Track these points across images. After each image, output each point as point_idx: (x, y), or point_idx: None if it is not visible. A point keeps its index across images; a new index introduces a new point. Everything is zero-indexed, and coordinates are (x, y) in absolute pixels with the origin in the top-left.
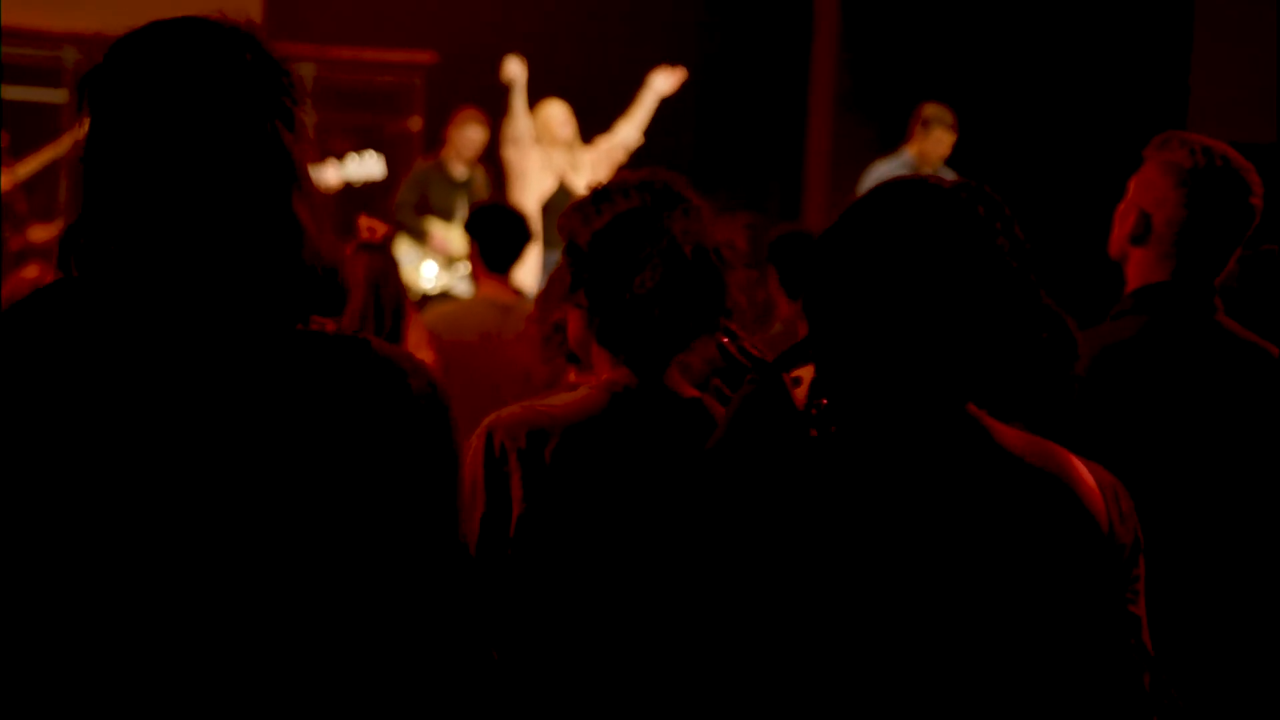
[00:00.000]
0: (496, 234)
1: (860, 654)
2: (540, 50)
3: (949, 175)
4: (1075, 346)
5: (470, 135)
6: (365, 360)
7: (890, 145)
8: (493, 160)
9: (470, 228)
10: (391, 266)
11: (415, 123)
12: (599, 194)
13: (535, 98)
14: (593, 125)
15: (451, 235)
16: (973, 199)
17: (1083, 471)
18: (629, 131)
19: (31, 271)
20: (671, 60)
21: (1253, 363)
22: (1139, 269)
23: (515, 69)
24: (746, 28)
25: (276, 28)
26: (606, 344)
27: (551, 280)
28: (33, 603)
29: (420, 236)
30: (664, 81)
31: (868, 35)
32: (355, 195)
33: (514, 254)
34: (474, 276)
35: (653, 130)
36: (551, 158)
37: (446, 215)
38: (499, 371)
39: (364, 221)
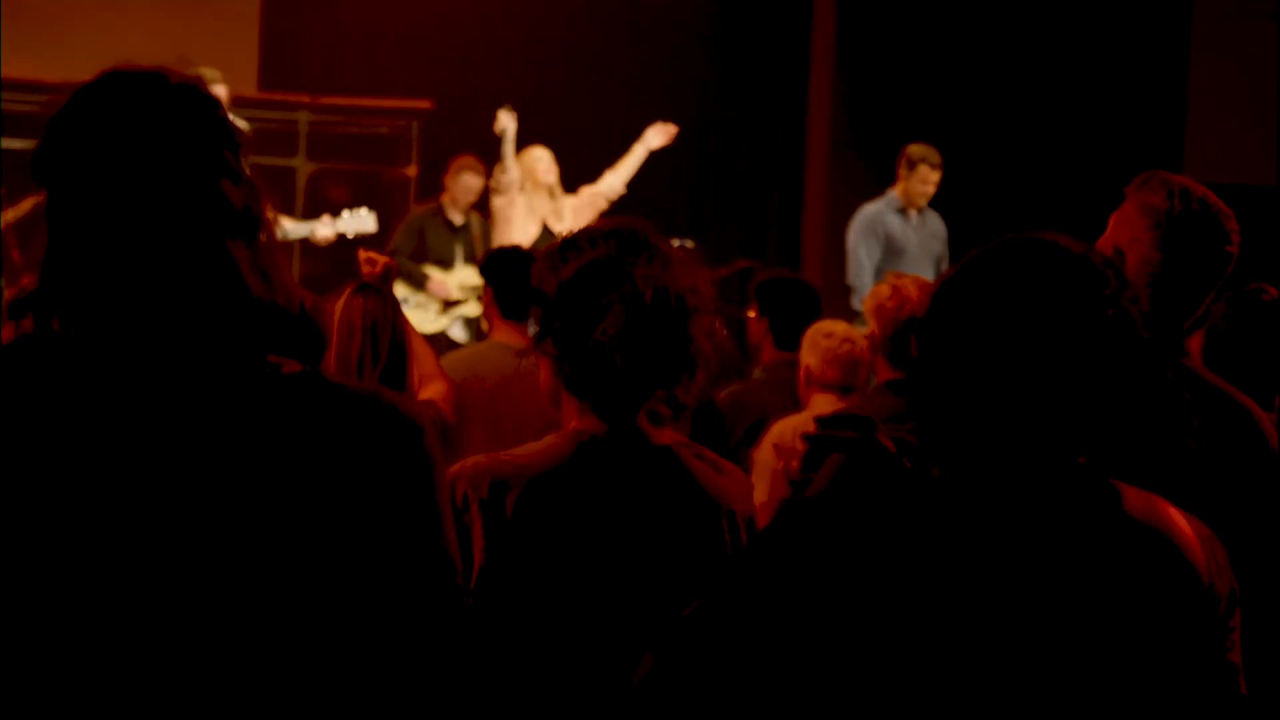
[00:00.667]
0: (513, 280)
1: (970, 711)
2: (536, 99)
3: (934, 216)
4: (1189, 420)
5: (467, 182)
6: (319, 401)
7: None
8: (487, 206)
9: (486, 273)
10: (390, 307)
11: (411, 170)
12: (566, 243)
13: (529, 146)
14: (589, 175)
15: (450, 281)
16: (1100, 263)
17: (1183, 524)
18: (613, 181)
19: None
20: (668, 106)
21: (1219, 409)
22: None
23: (506, 120)
24: (743, 74)
25: (273, 75)
26: (574, 391)
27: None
28: (11, 656)
29: (418, 282)
30: (656, 137)
31: (863, 79)
32: (351, 245)
33: (530, 301)
34: (488, 321)
35: (651, 177)
36: (534, 203)
37: (444, 261)
38: (518, 416)
39: (363, 254)
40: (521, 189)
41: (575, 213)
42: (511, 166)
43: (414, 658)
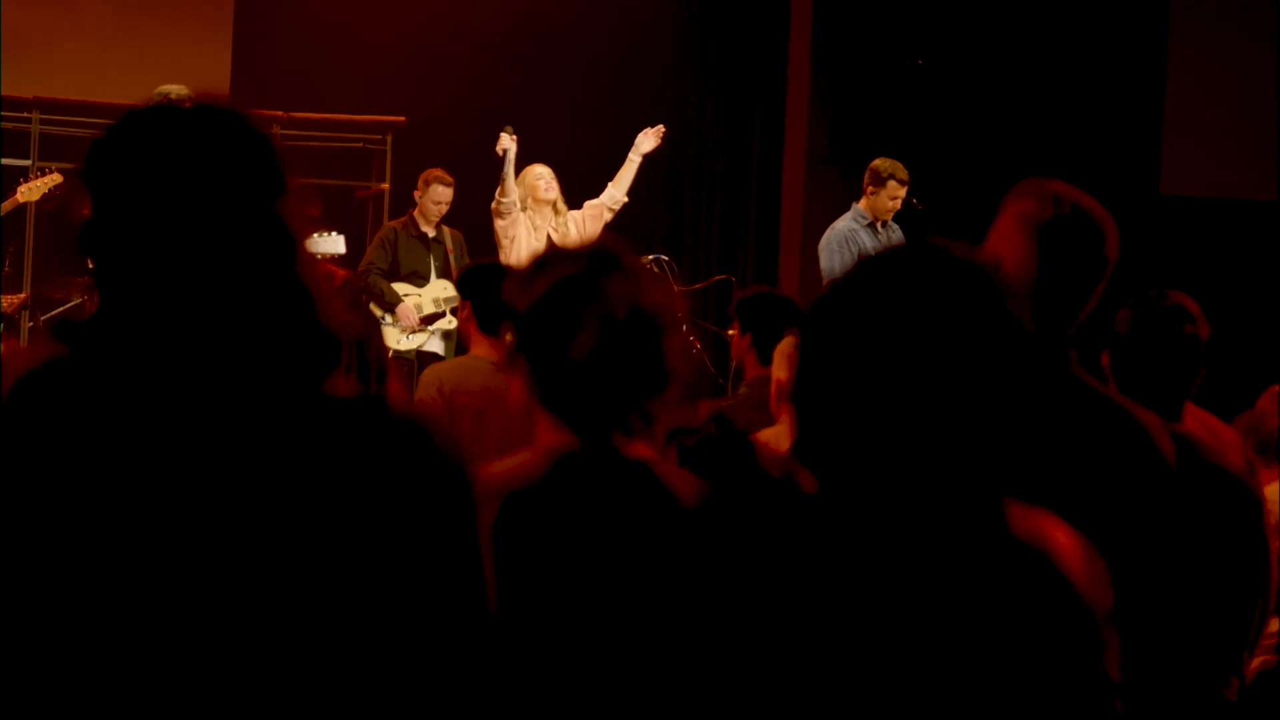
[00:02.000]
0: (491, 294)
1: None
2: (509, 114)
3: (895, 230)
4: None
5: (437, 194)
6: (389, 424)
7: None
8: (461, 222)
9: (463, 287)
10: (372, 325)
11: (384, 184)
12: (539, 261)
13: (528, 165)
14: (566, 186)
15: (425, 295)
16: (988, 270)
17: (1064, 539)
18: (614, 193)
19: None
20: (644, 120)
21: (1103, 415)
22: None
23: (508, 141)
24: (720, 87)
25: (245, 91)
26: (549, 408)
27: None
28: (39, 673)
29: (390, 304)
30: (647, 141)
31: (840, 92)
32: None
33: (504, 316)
34: (465, 336)
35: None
36: (538, 221)
37: (418, 274)
38: (504, 430)
39: (323, 269)
40: (524, 208)
41: (579, 226)
42: (512, 189)
43: (445, 668)
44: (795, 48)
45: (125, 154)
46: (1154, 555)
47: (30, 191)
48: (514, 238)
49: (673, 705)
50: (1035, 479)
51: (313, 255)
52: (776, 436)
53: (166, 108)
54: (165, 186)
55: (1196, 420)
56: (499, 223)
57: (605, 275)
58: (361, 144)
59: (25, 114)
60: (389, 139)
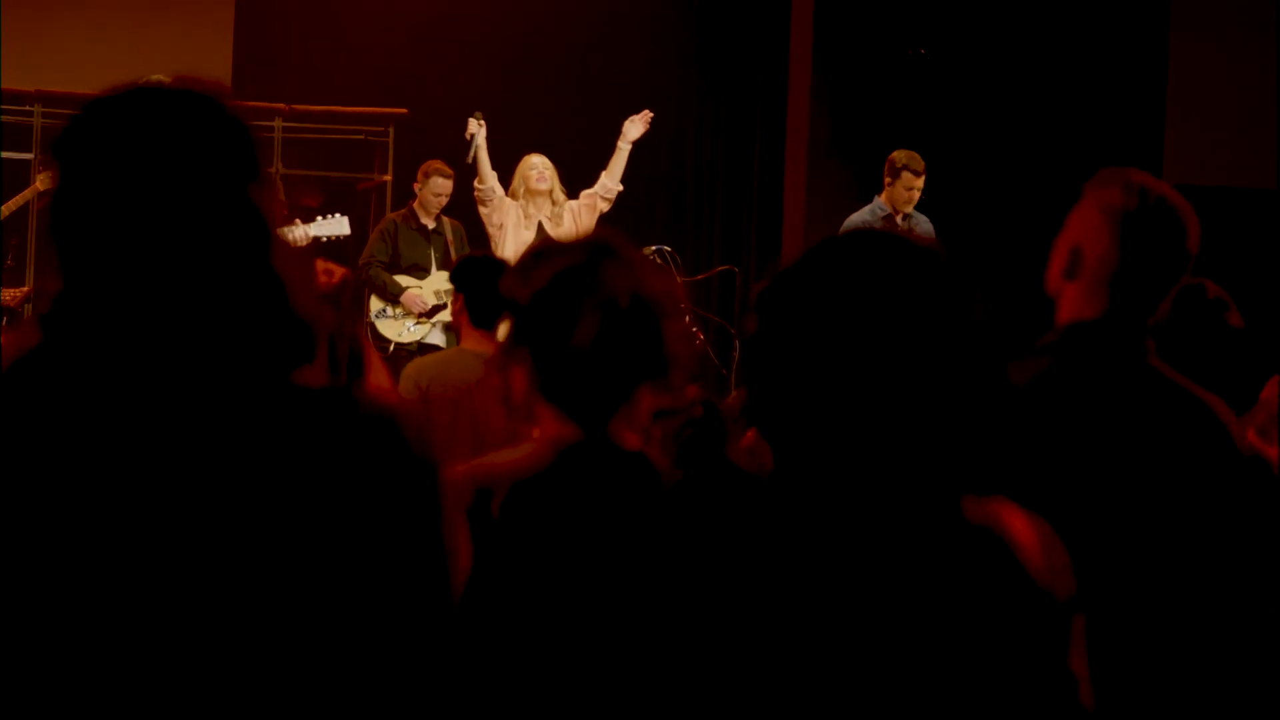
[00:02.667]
0: (483, 287)
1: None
2: (512, 105)
3: (922, 220)
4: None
5: (437, 185)
6: (355, 416)
7: (866, 195)
8: (462, 212)
9: (456, 280)
10: (346, 318)
11: (386, 176)
12: (538, 252)
13: (508, 152)
14: (566, 179)
15: (426, 287)
16: (945, 259)
17: (1021, 526)
18: (607, 182)
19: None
20: (643, 107)
21: (1179, 407)
22: (1070, 305)
23: (474, 126)
24: (721, 78)
25: (246, 82)
26: (550, 398)
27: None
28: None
29: (394, 295)
30: (634, 128)
31: (842, 83)
32: (326, 251)
33: (500, 309)
34: (457, 328)
35: (629, 182)
36: (530, 210)
37: (419, 267)
38: (481, 423)
39: (320, 264)
40: (516, 197)
41: (574, 216)
42: (487, 174)
43: (409, 662)
44: (797, 37)
45: (94, 133)
46: (1242, 543)
47: (49, 180)
48: (501, 225)
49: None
50: (1111, 469)
51: (288, 243)
52: None
53: (141, 90)
54: (130, 167)
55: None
56: (481, 210)
57: (605, 265)
58: (363, 136)
59: (27, 107)
60: (391, 131)
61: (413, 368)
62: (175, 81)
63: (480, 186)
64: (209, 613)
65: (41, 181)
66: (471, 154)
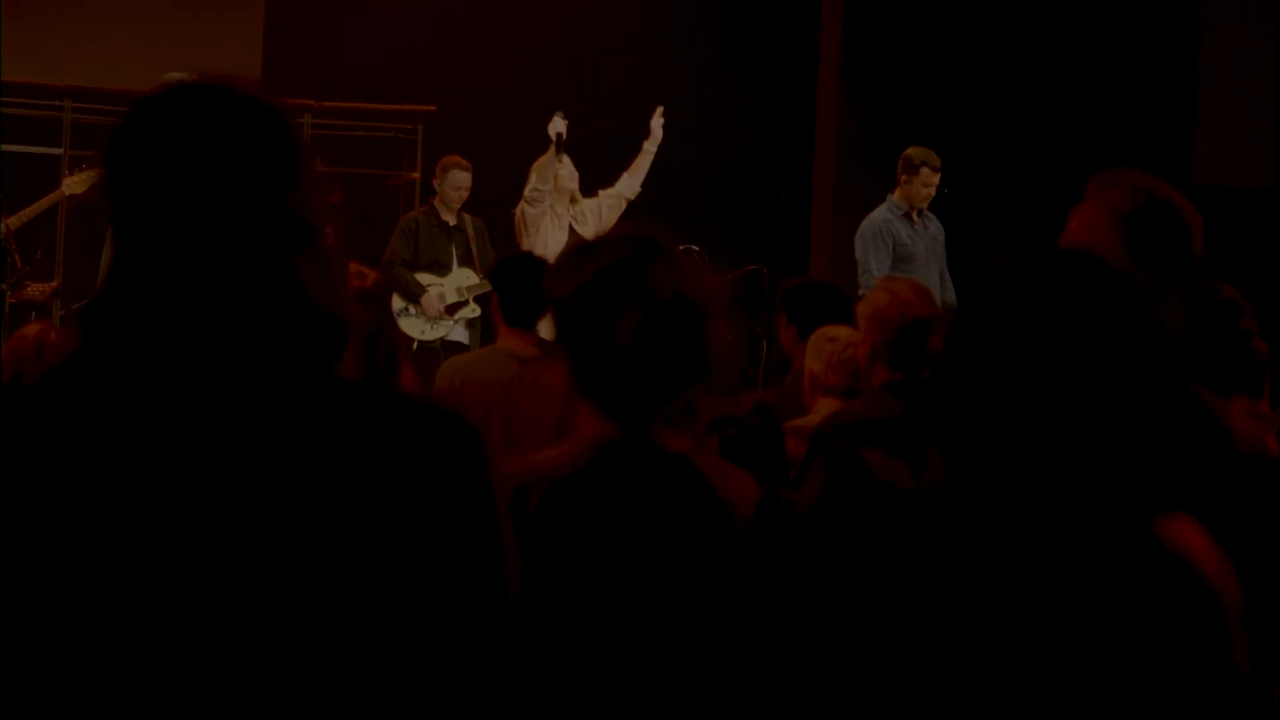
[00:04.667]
0: (521, 286)
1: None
2: (541, 103)
3: (932, 219)
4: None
5: (457, 180)
6: (379, 410)
7: None
8: (487, 210)
9: (494, 278)
10: (386, 316)
11: (414, 174)
12: (582, 249)
13: (535, 152)
14: (595, 177)
15: (447, 284)
16: (1135, 279)
17: (1196, 540)
18: (630, 182)
19: (32, 328)
20: (674, 109)
21: (1191, 411)
22: None
23: (560, 125)
24: (750, 76)
25: (275, 79)
26: (589, 396)
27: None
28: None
29: (415, 294)
30: (660, 127)
31: (871, 81)
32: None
33: (538, 307)
34: (495, 327)
35: (657, 180)
36: (558, 210)
37: (440, 264)
38: (514, 423)
39: (353, 267)
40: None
41: (596, 215)
42: (551, 176)
43: (464, 663)
44: (827, 32)
45: (135, 139)
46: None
47: (74, 185)
48: (540, 228)
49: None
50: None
51: (326, 243)
52: (807, 427)
53: (190, 89)
54: (184, 168)
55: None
56: (530, 211)
57: (648, 262)
58: (392, 134)
59: (58, 102)
60: (420, 128)
61: (449, 365)
62: (216, 79)
63: (541, 187)
64: (259, 608)
65: (68, 185)
66: (558, 153)
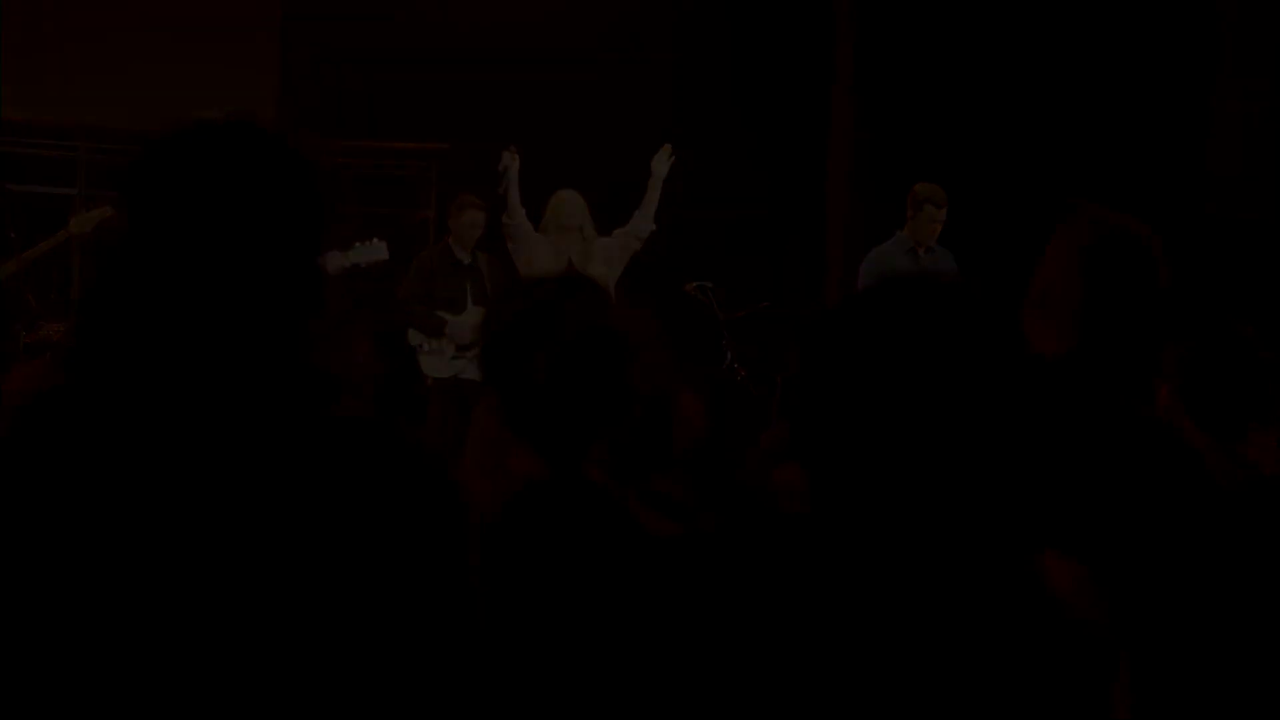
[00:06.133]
0: None
1: None
2: (554, 140)
3: (944, 254)
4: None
5: (471, 218)
6: (391, 445)
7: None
8: (494, 246)
9: None
10: (409, 355)
11: (428, 213)
12: (510, 292)
13: (547, 189)
14: (607, 214)
15: (464, 322)
16: (988, 301)
17: (1062, 569)
18: (640, 221)
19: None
20: (687, 144)
21: (1151, 447)
22: (1039, 339)
23: (507, 160)
24: (763, 111)
25: (290, 117)
26: (516, 432)
27: None
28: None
29: (434, 329)
30: (662, 164)
31: (885, 115)
32: (367, 282)
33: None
34: None
35: (669, 218)
36: (561, 246)
37: (454, 302)
38: None
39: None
40: (547, 232)
41: (606, 253)
42: (515, 209)
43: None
44: (840, 65)
45: (167, 171)
46: (1213, 579)
47: (81, 224)
48: (528, 260)
49: None
50: (1082, 503)
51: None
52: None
53: (210, 127)
54: (203, 208)
55: (1257, 444)
56: (509, 245)
57: (565, 302)
58: (406, 172)
59: (72, 142)
60: (434, 167)
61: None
62: (237, 116)
63: (508, 221)
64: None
65: (75, 224)
66: (503, 187)
